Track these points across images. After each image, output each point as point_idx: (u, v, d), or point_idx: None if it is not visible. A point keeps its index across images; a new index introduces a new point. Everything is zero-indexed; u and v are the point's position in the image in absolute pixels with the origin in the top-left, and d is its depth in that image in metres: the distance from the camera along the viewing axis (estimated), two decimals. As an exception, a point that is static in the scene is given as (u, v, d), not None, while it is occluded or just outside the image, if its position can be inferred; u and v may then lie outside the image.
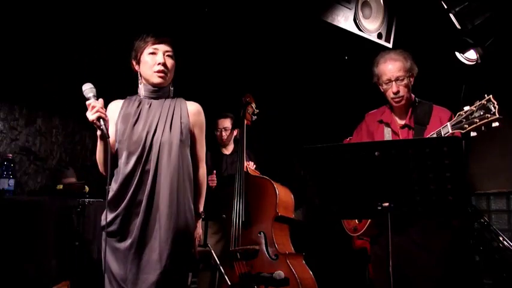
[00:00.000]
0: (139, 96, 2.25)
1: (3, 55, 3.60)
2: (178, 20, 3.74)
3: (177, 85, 2.35)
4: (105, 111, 2.04)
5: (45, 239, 3.23)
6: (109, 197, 2.08)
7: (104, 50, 4.02)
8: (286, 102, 4.87)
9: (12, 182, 3.41)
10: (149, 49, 2.18)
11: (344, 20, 3.46)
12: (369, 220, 2.41)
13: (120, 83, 4.05)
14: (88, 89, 2.02)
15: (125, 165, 2.09)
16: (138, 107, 2.19)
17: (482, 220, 3.49)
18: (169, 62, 2.20)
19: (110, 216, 2.08)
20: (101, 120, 1.98)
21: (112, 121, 2.16)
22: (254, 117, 3.55)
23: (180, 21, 3.76)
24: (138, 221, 2.06)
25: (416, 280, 2.25)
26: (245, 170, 3.36)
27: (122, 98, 2.27)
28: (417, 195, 1.74)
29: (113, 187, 2.11)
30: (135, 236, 2.05)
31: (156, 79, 2.18)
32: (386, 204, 1.78)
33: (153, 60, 2.17)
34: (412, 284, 2.26)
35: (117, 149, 2.15)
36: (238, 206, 3.22)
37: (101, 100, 2.01)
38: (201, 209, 2.31)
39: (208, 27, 3.84)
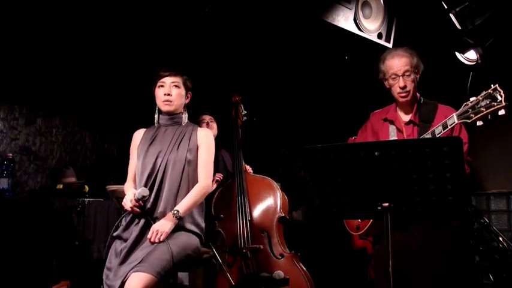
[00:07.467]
0: (158, 124, 2.56)
1: (3, 55, 3.60)
2: (178, 20, 3.74)
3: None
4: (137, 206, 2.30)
5: (45, 239, 3.23)
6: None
7: (104, 49, 4.02)
8: (286, 102, 4.87)
9: (12, 181, 3.42)
10: (159, 83, 2.49)
11: (344, 20, 3.46)
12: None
13: (119, 83, 4.06)
14: (139, 192, 2.27)
15: (139, 181, 2.40)
16: (155, 132, 2.51)
17: (482, 220, 3.49)
18: (175, 91, 2.48)
19: (122, 221, 2.37)
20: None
21: (135, 146, 2.53)
22: (244, 118, 3.54)
23: (180, 21, 3.76)
24: (138, 226, 2.29)
25: (417, 279, 2.25)
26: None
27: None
28: (417, 196, 1.74)
29: None
30: (132, 238, 2.25)
31: (164, 107, 2.49)
32: (386, 204, 1.78)
33: (161, 92, 2.48)
34: (413, 284, 2.26)
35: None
36: (242, 205, 3.21)
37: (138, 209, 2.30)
38: (180, 210, 2.30)
39: (208, 27, 3.84)
